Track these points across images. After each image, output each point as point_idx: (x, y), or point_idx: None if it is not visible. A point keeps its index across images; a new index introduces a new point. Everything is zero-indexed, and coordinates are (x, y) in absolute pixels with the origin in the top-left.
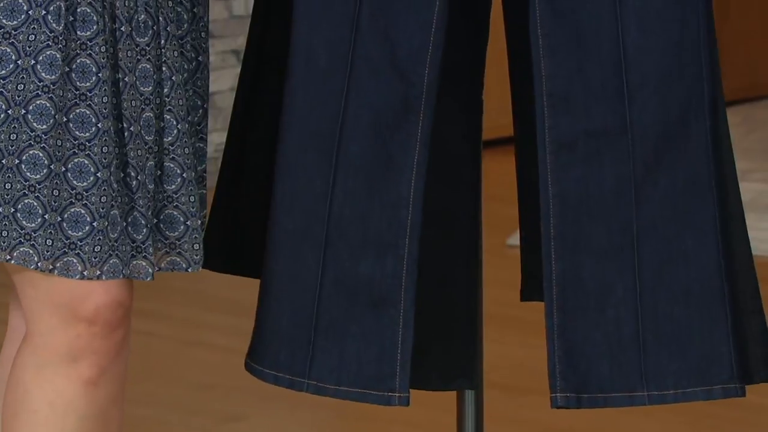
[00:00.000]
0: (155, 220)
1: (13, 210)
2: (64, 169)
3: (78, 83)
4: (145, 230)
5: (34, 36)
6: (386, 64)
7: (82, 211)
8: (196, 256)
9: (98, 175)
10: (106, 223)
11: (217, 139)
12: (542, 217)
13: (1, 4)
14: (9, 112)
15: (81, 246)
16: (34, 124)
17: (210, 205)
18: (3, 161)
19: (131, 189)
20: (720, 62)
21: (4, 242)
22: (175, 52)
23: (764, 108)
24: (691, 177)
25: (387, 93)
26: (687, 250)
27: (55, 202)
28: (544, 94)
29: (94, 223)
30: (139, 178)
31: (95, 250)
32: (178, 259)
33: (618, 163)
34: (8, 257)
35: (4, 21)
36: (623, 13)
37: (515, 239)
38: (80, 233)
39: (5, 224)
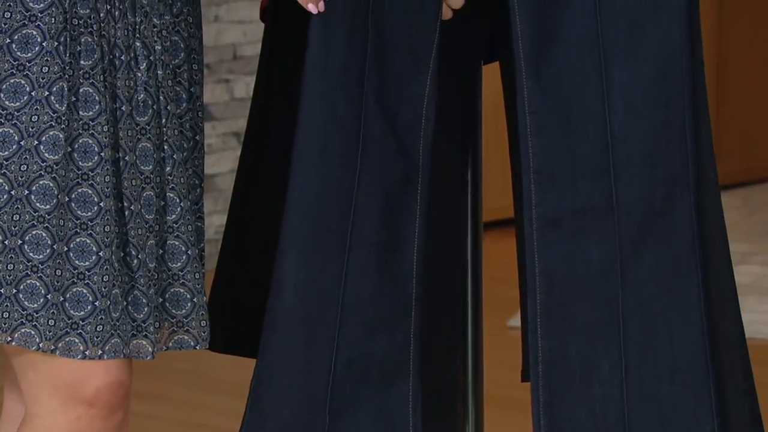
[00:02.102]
0: (161, 299)
1: (14, 291)
2: (66, 248)
3: (80, 163)
4: (146, 309)
5: (36, 117)
6: (389, 139)
7: (84, 291)
8: (204, 333)
9: (100, 254)
10: (108, 303)
11: (217, 221)
12: (528, 293)
13: (4, 86)
14: (12, 192)
15: (83, 326)
16: (37, 204)
17: (210, 287)
18: (6, 242)
19: (131, 268)
20: (715, 143)
21: (5, 324)
22: (176, 131)
23: (764, 191)
24: (676, 255)
25: (392, 168)
26: (672, 328)
27: (57, 282)
28: (531, 171)
29: (96, 303)
30: (139, 257)
31: (97, 329)
32: (186, 337)
33: (604, 240)
34: (9, 339)
35: (7, 102)
36: (610, 92)
37: (516, 320)
38: (82, 313)
39: (6, 305)
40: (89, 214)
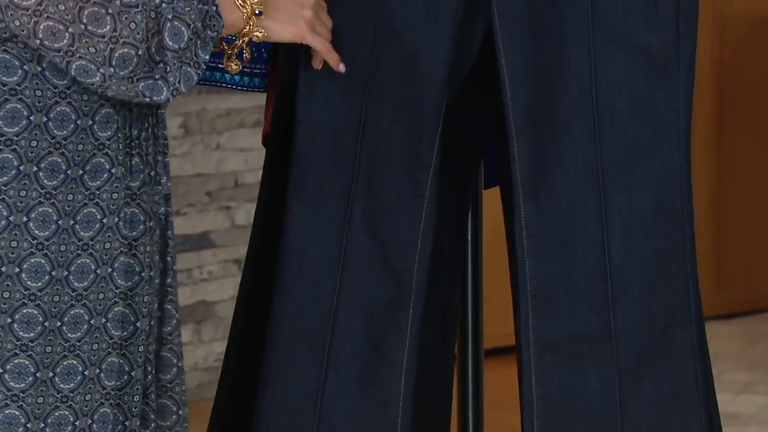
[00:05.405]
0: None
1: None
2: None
3: (118, 281)
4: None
5: (109, 244)
6: (377, 262)
7: (108, 411)
8: None
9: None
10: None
11: (217, 348)
12: (526, 419)
13: (79, 217)
14: (91, 322)
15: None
16: (113, 331)
17: (211, 414)
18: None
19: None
20: (716, 271)
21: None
22: (175, 242)
23: (766, 320)
24: (677, 384)
25: (378, 291)
26: None
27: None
28: (528, 295)
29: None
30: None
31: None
32: None
33: (602, 366)
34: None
35: (82, 233)
36: (608, 218)
37: None
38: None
39: None
40: (124, 333)
